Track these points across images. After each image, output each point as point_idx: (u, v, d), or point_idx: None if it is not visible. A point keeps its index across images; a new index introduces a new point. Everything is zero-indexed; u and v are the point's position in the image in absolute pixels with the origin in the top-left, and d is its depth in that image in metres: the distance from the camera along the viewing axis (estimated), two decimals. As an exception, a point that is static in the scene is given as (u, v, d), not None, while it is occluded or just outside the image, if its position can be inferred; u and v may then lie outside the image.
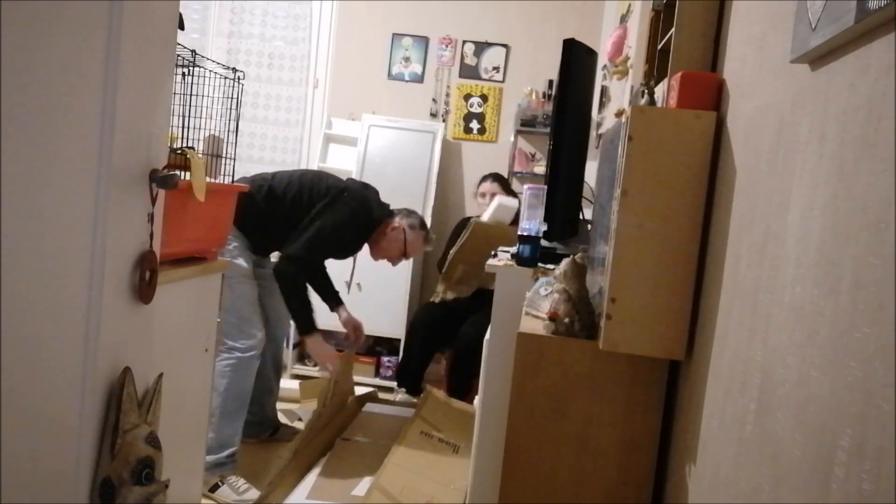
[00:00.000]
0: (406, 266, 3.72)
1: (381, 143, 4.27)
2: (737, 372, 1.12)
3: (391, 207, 2.90)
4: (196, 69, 1.58)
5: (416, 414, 2.76)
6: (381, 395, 3.50)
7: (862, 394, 0.69)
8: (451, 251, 3.36)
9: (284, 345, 3.39)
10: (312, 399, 3.26)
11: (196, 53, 1.57)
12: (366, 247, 2.88)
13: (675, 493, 1.46)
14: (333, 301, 3.02)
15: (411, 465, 2.38)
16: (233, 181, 1.82)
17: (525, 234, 2.11)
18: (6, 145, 0.75)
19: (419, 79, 4.50)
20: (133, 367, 1.01)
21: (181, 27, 1.28)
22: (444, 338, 3.56)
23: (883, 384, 0.65)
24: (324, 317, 2.91)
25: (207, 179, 1.52)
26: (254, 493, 2.44)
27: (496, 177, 3.81)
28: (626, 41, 3.07)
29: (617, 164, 1.46)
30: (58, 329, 0.90)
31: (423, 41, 4.48)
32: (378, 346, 4.15)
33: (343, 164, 4.29)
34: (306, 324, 2.68)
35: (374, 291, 3.84)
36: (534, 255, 2.11)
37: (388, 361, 4.03)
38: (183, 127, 1.56)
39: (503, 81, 4.46)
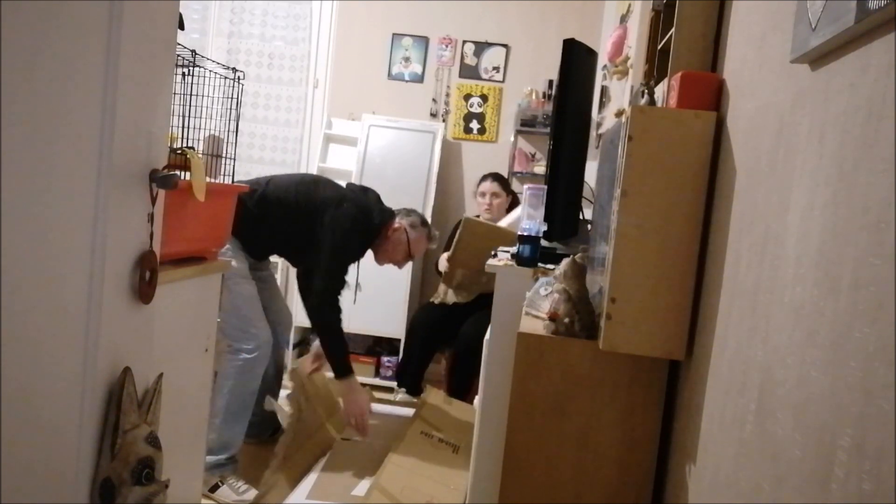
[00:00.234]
0: (406, 266, 3.72)
1: (381, 143, 4.27)
2: (737, 372, 1.12)
3: (391, 208, 2.88)
4: (196, 69, 1.58)
5: (416, 414, 2.76)
6: (382, 396, 3.50)
7: (862, 394, 0.69)
8: (445, 254, 3.36)
9: (286, 346, 3.39)
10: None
11: (196, 53, 1.57)
12: (369, 252, 2.86)
13: (675, 493, 1.46)
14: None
15: (411, 465, 2.38)
16: (233, 181, 1.82)
17: (525, 234, 2.11)
18: (6, 145, 0.75)
19: (419, 79, 4.50)
20: (133, 367, 1.01)
21: (181, 27, 1.28)
22: (443, 338, 3.56)
23: (883, 384, 0.65)
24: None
25: (207, 179, 1.52)
26: (253, 494, 2.44)
27: (496, 176, 3.81)
28: (626, 41, 3.07)
29: (617, 164, 1.46)
30: (58, 329, 0.90)
31: (423, 41, 4.48)
32: (378, 346, 4.16)
33: (343, 164, 4.29)
34: (341, 366, 2.62)
35: (374, 291, 3.84)
36: (534, 255, 2.11)
37: (388, 361, 4.03)
38: (183, 127, 1.56)
39: (503, 81, 4.46)
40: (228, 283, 2.49)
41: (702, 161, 1.36)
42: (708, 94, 1.42)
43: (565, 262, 1.63)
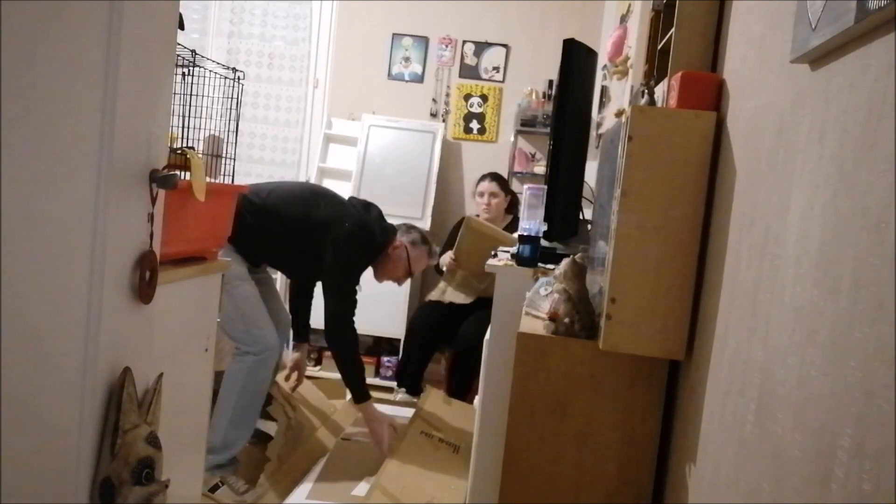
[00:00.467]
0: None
1: (381, 143, 4.27)
2: (737, 372, 1.12)
3: (392, 225, 2.84)
4: (196, 69, 1.58)
5: (416, 414, 2.76)
6: (382, 396, 3.50)
7: (862, 394, 0.69)
8: (448, 252, 3.36)
9: (284, 347, 3.39)
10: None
11: (196, 53, 1.57)
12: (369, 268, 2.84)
13: (675, 492, 1.46)
14: (301, 336, 3.04)
15: (411, 465, 2.38)
16: (233, 181, 1.82)
17: (525, 234, 2.11)
18: (6, 145, 0.75)
19: (419, 79, 4.50)
20: (133, 367, 1.01)
21: (181, 27, 1.28)
22: (443, 338, 3.56)
23: (883, 384, 0.65)
24: (317, 318, 2.88)
25: (207, 179, 1.52)
26: (253, 494, 2.44)
27: (494, 176, 3.80)
28: (626, 41, 3.07)
29: (617, 164, 1.46)
30: (58, 329, 0.90)
31: (423, 41, 4.48)
32: (378, 346, 4.15)
33: (343, 164, 4.29)
34: (358, 391, 2.62)
35: (374, 291, 3.83)
36: (534, 255, 2.11)
37: (388, 361, 4.03)
38: (183, 127, 1.56)
39: (503, 81, 4.46)
40: (227, 288, 2.46)
41: (702, 161, 1.36)
42: (708, 94, 1.42)
43: (565, 262, 1.63)
